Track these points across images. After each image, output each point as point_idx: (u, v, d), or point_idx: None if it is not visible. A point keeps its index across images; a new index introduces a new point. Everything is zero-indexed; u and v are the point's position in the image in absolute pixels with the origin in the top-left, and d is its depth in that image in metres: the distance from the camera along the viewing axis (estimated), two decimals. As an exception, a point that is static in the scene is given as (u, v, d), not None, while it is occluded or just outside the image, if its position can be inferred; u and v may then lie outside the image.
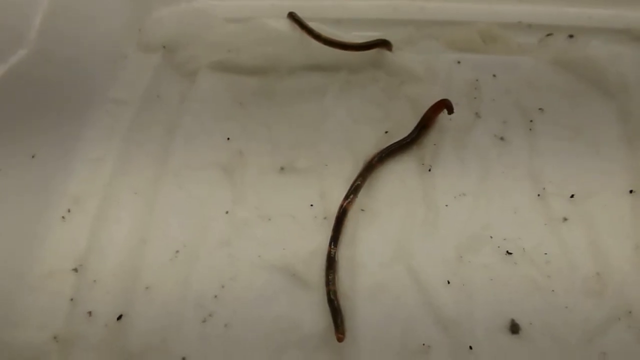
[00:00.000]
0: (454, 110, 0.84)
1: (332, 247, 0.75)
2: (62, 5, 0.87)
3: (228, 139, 0.88)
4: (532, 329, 0.70)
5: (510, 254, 0.76)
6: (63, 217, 0.82)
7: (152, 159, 0.87)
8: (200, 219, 0.80)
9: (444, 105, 0.84)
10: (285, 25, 0.95)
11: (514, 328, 0.70)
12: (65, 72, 0.88)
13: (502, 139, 0.86)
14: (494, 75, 0.93)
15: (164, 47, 0.99)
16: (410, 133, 0.85)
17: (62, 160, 0.85)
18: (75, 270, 0.78)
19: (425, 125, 0.85)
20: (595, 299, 0.72)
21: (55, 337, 0.73)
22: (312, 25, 0.93)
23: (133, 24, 1.01)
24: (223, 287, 0.75)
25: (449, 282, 0.74)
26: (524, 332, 0.70)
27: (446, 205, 0.80)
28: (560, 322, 0.71)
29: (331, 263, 0.74)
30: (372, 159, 0.82)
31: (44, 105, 0.84)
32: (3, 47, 0.78)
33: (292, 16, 0.94)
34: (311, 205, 0.81)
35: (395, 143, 0.84)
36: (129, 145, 0.89)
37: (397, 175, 0.83)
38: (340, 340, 0.68)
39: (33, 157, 0.80)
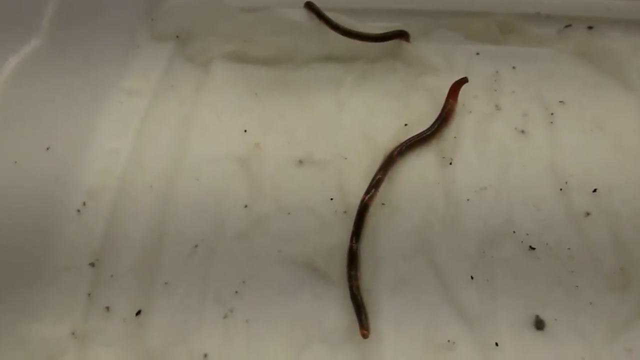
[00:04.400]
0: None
1: (354, 242, 0.74)
2: (74, -7, 0.85)
3: (245, 131, 0.86)
4: (557, 325, 0.70)
5: (534, 249, 0.75)
6: (78, 211, 0.80)
7: (166, 151, 0.86)
8: (217, 212, 0.79)
9: (459, 86, 0.84)
10: (301, 15, 0.93)
11: (539, 324, 0.70)
12: (77, 62, 0.86)
13: (522, 132, 0.85)
14: (514, 67, 0.92)
15: (177, 36, 0.98)
16: (431, 125, 0.83)
17: (76, 153, 0.84)
18: (92, 265, 0.77)
19: (445, 117, 0.84)
20: (619, 294, 0.72)
21: (73, 333, 0.71)
22: (329, 15, 0.91)
23: (145, 13, 0.99)
24: (244, 282, 0.73)
25: (472, 278, 0.73)
26: (549, 328, 0.69)
27: (467, 200, 0.79)
28: (585, 318, 0.70)
29: (353, 258, 0.73)
30: (393, 152, 0.81)
31: (57, 96, 0.82)
32: (17, 36, 0.77)
33: (310, 6, 0.92)
34: (331, 199, 0.80)
35: (416, 135, 0.83)
36: (143, 137, 0.87)
37: (417, 169, 0.82)
38: (365, 336, 0.67)
39: (48, 149, 0.79)
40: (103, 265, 0.77)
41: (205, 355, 0.69)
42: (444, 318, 0.70)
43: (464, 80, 0.84)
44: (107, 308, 0.73)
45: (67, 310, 0.73)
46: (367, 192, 0.77)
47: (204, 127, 0.87)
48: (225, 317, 0.71)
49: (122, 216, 0.80)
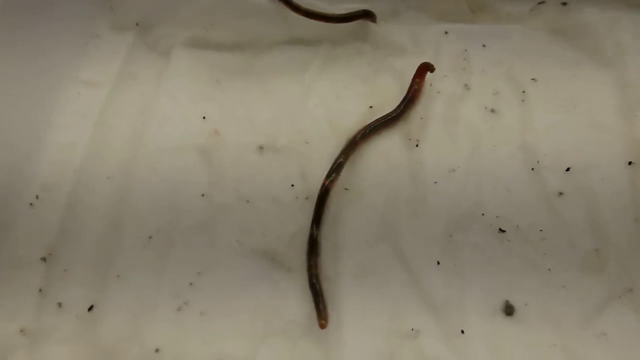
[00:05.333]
0: (435, 69, 0.82)
1: (314, 228, 0.71)
2: (26, -19, 0.82)
3: (204, 117, 0.83)
4: (528, 310, 0.66)
5: (504, 231, 0.72)
6: (31, 204, 0.77)
7: (125, 142, 0.82)
8: (175, 202, 0.76)
9: (426, 68, 0.80)
10: (263, -3, 0.89)
11: (509, 310, 0.67)
12: (30, 53, 0.83)
13: (493, 111, 0.82)
14: (484, 45, 0.88)
15: (137, 24, 0.94)
16: (396, 107, 0.80)
17: (30, 145, 0.81)
18: (44, 259, 0.74)
19: (411, 98, 0.80)
20: (593, 277, 0.68)
21: (22, 330, 0.69)
22: (291, -4, 0.88)
23: (104, 1, 0.95)
24: (199, 274, 0.70)
25: (438, 263, 0.70)
26: (518, 314, 0.66)
27: (435, 182, 0.75)
28: (557, 303, 0.67)
29: (313, 246, 0.70)
30: (356, 135, 0.78)
31: (7, 88, 0.79)
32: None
33: (269, -13, 0.89)
34: (292, 185, 0.77)
35: (379, 118, 0.79)
36: (102, 129, 0.84)
37: (382, 152, 0.78)
38: (322, 326, 0.64)
39: (-4, 141, 0.76)
40: (56, 259, 0.74)
41: (157, 350, 0.66)
42: (409, 306, 0.67)
43: (430, 67, 0.80)
44: (59, 304, 0.71)
45: (17, 306, 0.71)
46: (328, 176, 0.74)
47: (164, 116, 0.84)
48: (179, 309, 0.68)
49: (77, 209, 0.77)
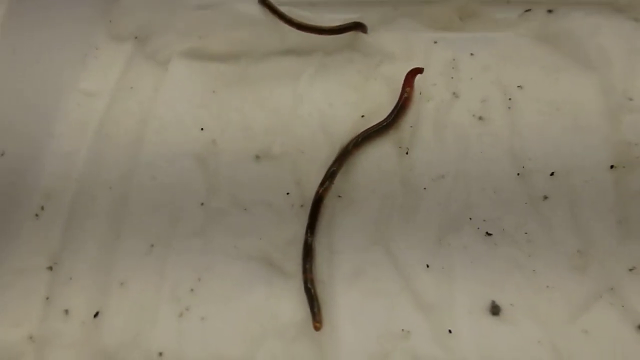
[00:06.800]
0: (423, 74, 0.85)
1: (309, 234, 0.74)
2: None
3: (202, 129, 0.86)
4: (513, 310, 0.70)
5: (490, 234, 0.75)
6: (36, 215, 0.80)
7: (124, 151, 0.85)
8: (174, 210, 0.79)
9: (415, 73, 0.83)
10: (257, 9, 0.92)
11: (495, 309, 0.70)
12: (32, 65, 0.86)
13: (480, 118, 0.84)
14: (472, 54, 0.91)
15: (135, 37, 0.97)
16: (387, 116, 0.83)
17: (32, 157, 0.84)
18: (50, 268, 0.77)
19: (402, 106, 0.83)
20: (577, 277, 0.71)
21: (30, 337, 0.72)
22: (284, 9, 0.90)
23: (102, 14, 0.98)
24: (199, 279, 0.73)
25: (428, 266, 0.73)
26: (504, 314, 0.69)
27: (424, 188, 0.78)
28: (541, 302, 0.70)
29: (308, 251, 0.73)
30: (348, 144, 0.80)
31: (10, 100, 0.81)
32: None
33: (263, 1, 0.91)
34: (287, 193, 0.79)
35: (371, 127, 0.82)
36: (101, 139, 0.87)
37: (374, 160, 0.81)
38: (317, 328, 0.67)
39: (2, 154, 0.78)
40: (61, 268, 0.77)
41: (160, 354, 0.69)
42: (400, 308, 0.70)
43: (419, 70, 0.83)
44: (66, 311, 0.73)
45: (25, 314, 0.74)
46: (322, 184, 0.77)
47: (162, 126, 0.87)
48: (180, 315, 0.71)
49: (80, 218, 0.80)
